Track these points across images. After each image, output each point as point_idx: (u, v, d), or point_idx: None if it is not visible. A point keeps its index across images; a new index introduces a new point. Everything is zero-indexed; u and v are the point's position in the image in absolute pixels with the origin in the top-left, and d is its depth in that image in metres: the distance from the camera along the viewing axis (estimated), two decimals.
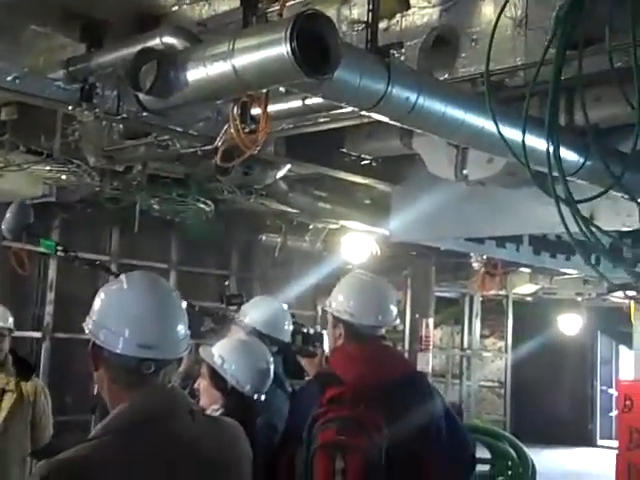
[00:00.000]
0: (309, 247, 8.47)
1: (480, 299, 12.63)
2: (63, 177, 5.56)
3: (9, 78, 3.88)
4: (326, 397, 2.79)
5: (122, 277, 2.13)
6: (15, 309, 7.44)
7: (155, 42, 3.31)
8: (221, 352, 3.19)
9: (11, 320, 4.75)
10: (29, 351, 7.56)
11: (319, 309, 9.65)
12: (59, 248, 3.85)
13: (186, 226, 7.57)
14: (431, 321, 10.26)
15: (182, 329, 2.09)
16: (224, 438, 2.12)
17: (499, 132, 2.87)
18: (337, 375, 2.86)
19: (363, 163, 5.44)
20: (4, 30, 3.72)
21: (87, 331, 2.05)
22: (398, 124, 3.39)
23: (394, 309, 3.17)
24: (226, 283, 8.40)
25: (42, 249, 7.38)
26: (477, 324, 12.86)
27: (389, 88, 2.94)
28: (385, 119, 3.23)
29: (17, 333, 7.22)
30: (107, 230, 8.23)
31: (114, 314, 2.02)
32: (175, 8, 3.69)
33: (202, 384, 3.17)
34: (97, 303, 2.08)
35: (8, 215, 3.99)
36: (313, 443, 2.69)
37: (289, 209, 6.81)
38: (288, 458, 2.88)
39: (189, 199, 6.32)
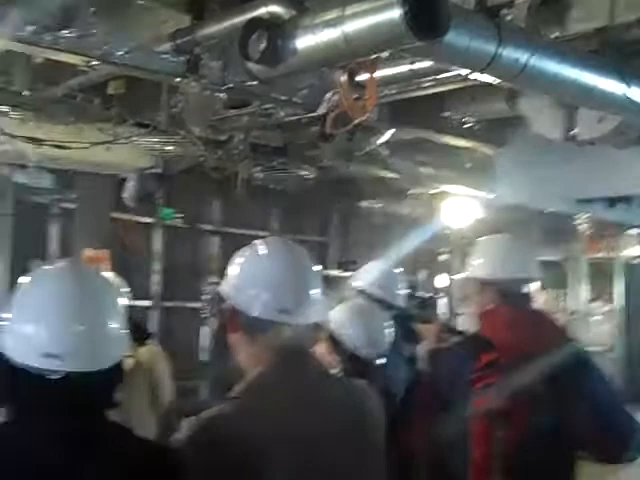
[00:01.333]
0: (409, 213, 8.42)
1: (586, 262, 12.32)
2: (169, 148, 5.67)
3: (119, 53, 3.96)
4: (482, 362, 2.75)
5: (257, 242, 2.15)
6: (124, 279, 7.68)
7: (260, 11, 3.32)
8: (338, 316, 3.21)
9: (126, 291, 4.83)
10: (139, 320, 7.77)
11: (420, 275, 9.61)
12: (177, 216, 3.94)
13: (286, 194, 7.64)
14: (536, 285, 10.04)
15: (318, 294, 2.11)
16: (355, 398, 2.15)
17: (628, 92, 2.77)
18: (489, 340, 2.82)
19: (465, 126, 5.36)
20: (112, 6, 3.79)
21: (223, 294, 2.09)
22: (507, 85, 3.33)
23: (535, 262, 3.15)
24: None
25: (147, 220, 7.66)
26: (583, 287, 12.57)
27: (499, 49, 2.88)
28: (495, 81, 3.17)
29: (130, 302, 7.47)
30: (209, 200, 8.37)
31: (252, 278, 2.05)
32: None
33: (320, 349, 3.20)
34: (234, 267, 2.11)
35: (131, 183, 4.07)
36: (467, 410, 2.66)
37: (389, 174, 6.78)
38: (420, 427, 2.85)
39: (290, 167, 6.36)
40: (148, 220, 7.59)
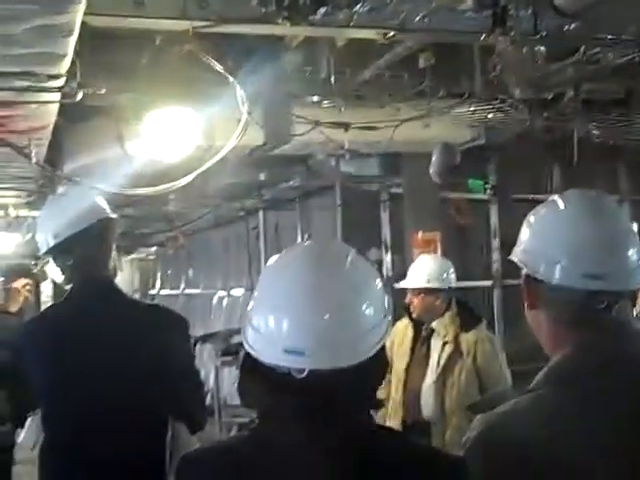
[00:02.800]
0: None
1: None
2: (489, 116, 5.27)
3: (417, 18, 3.68)
4: None
5: (554, 198, 1.77)
6: (463, 260, 7.41)
7: None
8: None
9: (451, 277, 4.47)
10: (481, 301, 7.47)
11: None
12: (487, 187, 3.57)
13: (634, 150, 6.84)
14: None
15: (635, 256, 1.66)
16: None
17: None
18: None
19: None
20: None
21: (517, 261, 1.75)
22: None
23: None
24: None
25: (476, 195, 7.31)
26: None
27: None
28: None
29: (468, 283, 7.21)
30: (546, 166, 7.80)
31: (548, 240, 1.70)
32: None
33: None
34: (526, 229, 1.77)
35: (434, 158, 3.81)
36: None
37: None
38: None
39: (632, 118, 5.62)
40: (482, 197, 7.25)
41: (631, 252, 1.66)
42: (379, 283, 1.61)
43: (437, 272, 4.45)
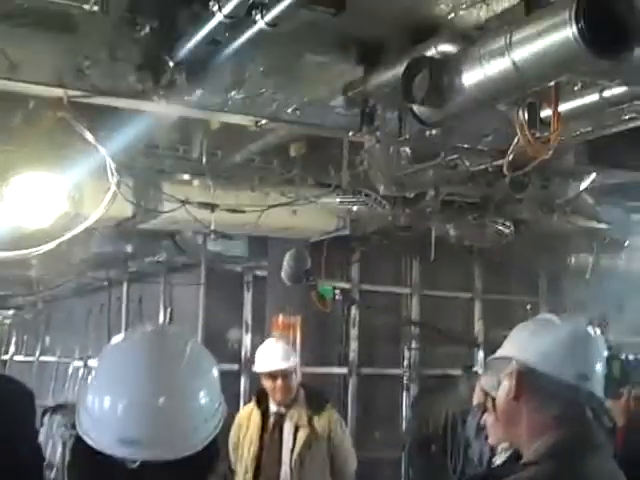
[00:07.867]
0: (625, 266, 7.66)
1: None
2: (354, 208, 5.47)
3: (289, 110, 3.84)
4: None
5: (550, 318, 2.04)
6: (321, 346, 7.52)
7: (431, 52, 3.09)
8: None
9: (293, 360, 4.55)
10: (337, 387, 7.56)
11: None
12: (336, 292, 3.73)
13: (488, 251, 7.21)
14: None
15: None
16: None
17: None
18: None
19: None
20: (281, 61, 3.69)
21: (510, 356, 1.94)
22: None
23: None
24: None
25: (342, 285, 7.46)
26: None
27: None
28: None
29: (324, 369, 7.30)
30: (406, 261, 8.08)
31: (549, 348, 1.92)
32: (451, 15, 3.41)
33: None
34: (523, 334, 2.02)
35: (285, 263, 3.95)
36: None
37: (598, 225, 6.17)
38: None
39: (486, 222, 5.95)
40: (343, 285, 7.41)
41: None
42: (216, 373, 1.63)
43: (288, 353, 4.56)
